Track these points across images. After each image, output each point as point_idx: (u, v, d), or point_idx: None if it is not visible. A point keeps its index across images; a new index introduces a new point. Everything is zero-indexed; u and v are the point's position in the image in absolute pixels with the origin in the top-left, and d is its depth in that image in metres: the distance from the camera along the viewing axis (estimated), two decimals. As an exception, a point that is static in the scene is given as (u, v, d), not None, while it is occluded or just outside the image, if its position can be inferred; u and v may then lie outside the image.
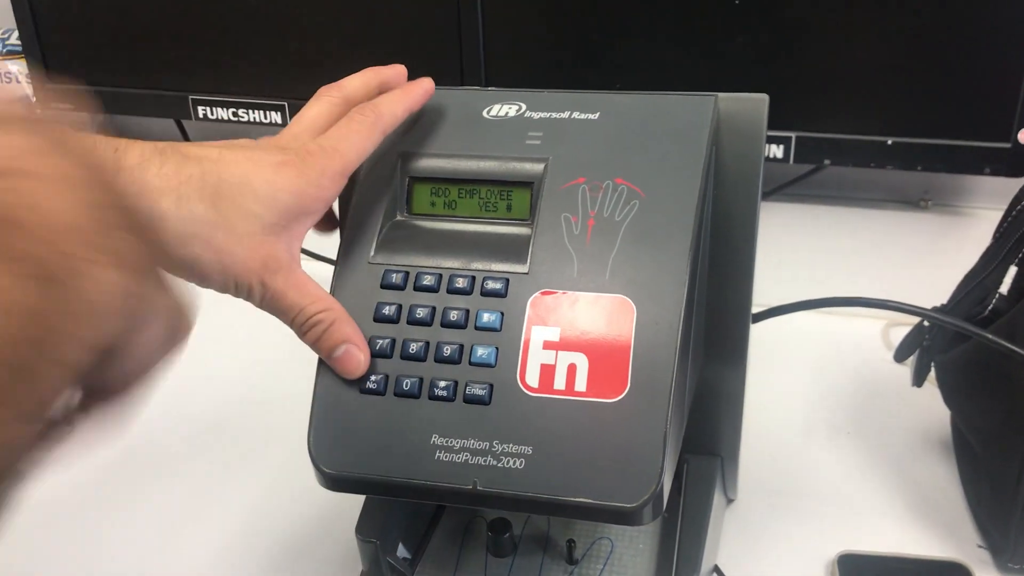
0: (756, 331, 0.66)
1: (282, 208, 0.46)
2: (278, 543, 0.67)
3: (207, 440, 0.79)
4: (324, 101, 0.51)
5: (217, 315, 0.99)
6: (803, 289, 0.84)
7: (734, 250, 0.53)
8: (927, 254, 0.88)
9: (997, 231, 0.64)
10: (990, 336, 0.57)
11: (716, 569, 0.62)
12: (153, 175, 0.44)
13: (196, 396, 0.84)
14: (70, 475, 0.76)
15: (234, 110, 0.96)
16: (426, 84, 0.53)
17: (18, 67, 1.06)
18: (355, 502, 0.58)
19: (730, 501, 0.69)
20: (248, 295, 0.46)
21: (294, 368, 0.86)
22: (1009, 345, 0.57)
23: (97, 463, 0.77)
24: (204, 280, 0.46)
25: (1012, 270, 0.63)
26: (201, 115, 0.97)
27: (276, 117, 0.94)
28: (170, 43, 0.95)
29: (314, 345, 0.47)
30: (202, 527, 0.70)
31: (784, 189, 0.88)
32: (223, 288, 0.46)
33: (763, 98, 0.51)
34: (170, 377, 0.91)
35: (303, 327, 0.47)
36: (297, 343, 0.48)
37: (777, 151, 0.83)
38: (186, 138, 1.07)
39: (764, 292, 0.79)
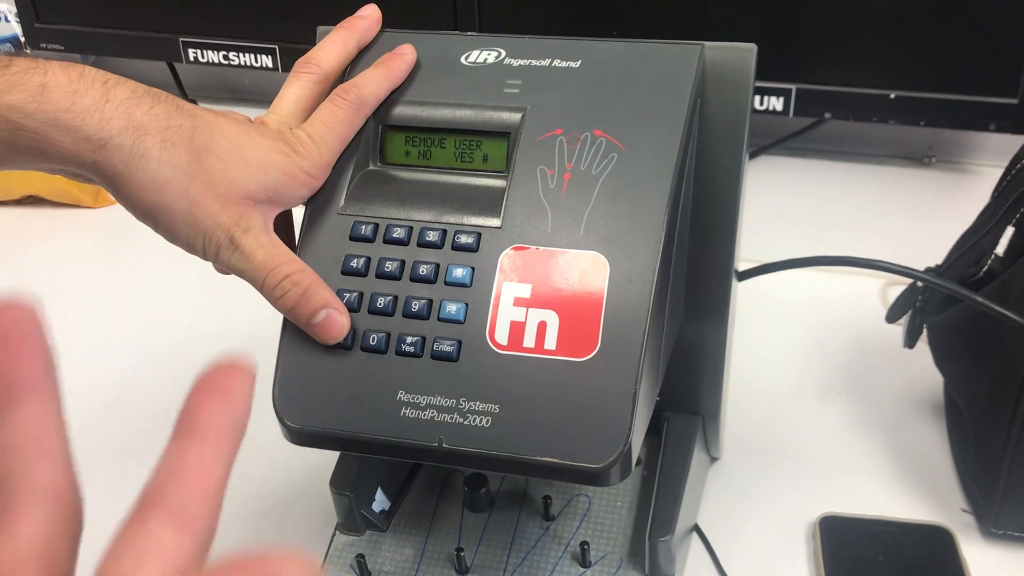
0: (752, 287, 0.65)
1: (270, 183, 0.45)
2: (253, 495, 0.67)
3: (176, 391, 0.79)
4: (304, 80, 0.50)
5: (185, 270, 0.99)
6: (802, 245, 0.82)
7: (717, 205, 0.51)
8: (929, 212, 0.87)
9: (995, 190, 0.63)
10: (980, 299, 0.55)
11: (696, 528, 0.62)
12: (143, 112, 0.43)
13: (164, 347, 0.85)
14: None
15: (225, 53, 0.94)
16: (409, 57, 0.51)
17: (7, 6, 1.05)
18: (332, 454, 0.57)
19: (714, 460, 0.68)
20: (217, 254, 0.45)
21: (261, 319, 0.85)
22: (1000, 309, 0.55)
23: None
24: (172, 233, 0.45)
25: (1009, 231, 0.61)
26: (192, 58, 0.95)
27: (267, 60, 0.92)
28: (160, -17, 0.93)
29: (290, 312, 0.45)
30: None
31: (784, 142, 0.86)
32: (190, 244, 0.45)
33: (751, 48, 0.49)
34: (137, 330, 0.89)
35: (274, 291, 0.45)
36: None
37: (777, 103, 0.80)
38: (179, 82, 1.05)
39: (762, 247, 0.77)
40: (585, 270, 0.44)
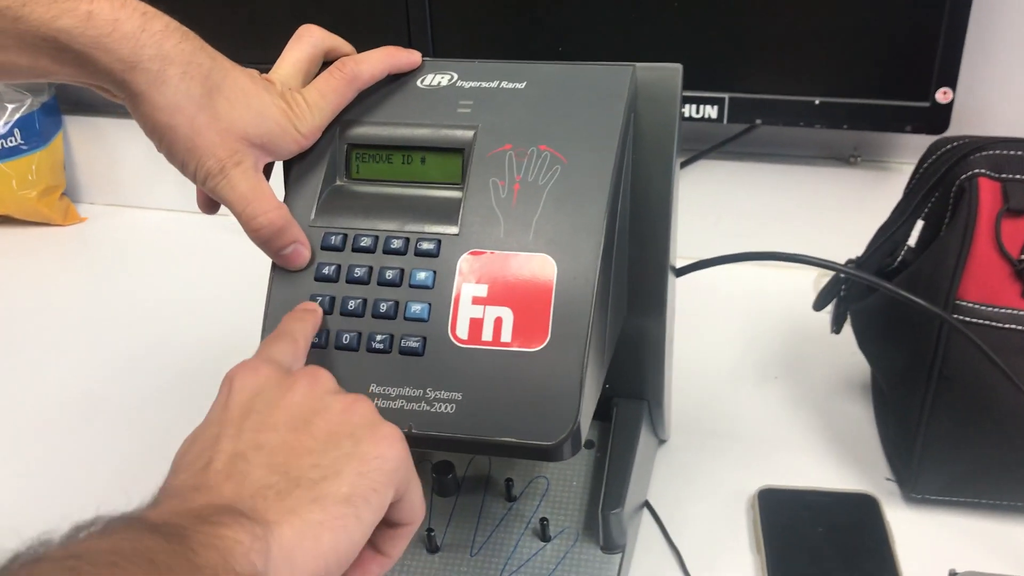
0: (692, 282, 0.70)
1: (265, 131, 0.51)
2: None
3: (144, 404, 0.83)
4: (304, 44, 0.55)
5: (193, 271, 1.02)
6: (738, 242, 0.88)
7: (652, 209, 0.57)
8: (855, 207, 0.93)
9: (907, 188, 0.69)
10: (893, 288, 0.62)
11: (647, 504, 0.67)
12: (172, 45, 0.49)
13: (133, 361, 0.89)
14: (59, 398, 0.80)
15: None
16: (414, 56, 0.57)
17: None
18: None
19: (662, 442, 0.74)
20: (205, 179, 0.50)
21: (232, 331, 0.89)
22: (911, 296, 0.61)
23: (77, 396, 0.81)
24: (171, 152, 0.51)
25: (919, 224, 0.67)
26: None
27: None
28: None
29: (263, 244, 0.52)
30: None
31: (720, 147, 0.92)
32: (183, 164, 0.51)
33: (677, 67, 0.55)
34: (106, 344, 0.92)
35: (252, 222, 0.51)
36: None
37: (711, 111, 0.86)
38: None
39: (701, 245, 0.83)
40: (535, 270, 0.49)
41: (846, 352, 0.83)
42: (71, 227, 1.13)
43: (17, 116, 1.07)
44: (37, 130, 1.08)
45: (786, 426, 0.76)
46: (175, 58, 0.49)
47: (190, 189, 0.53)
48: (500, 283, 0.50)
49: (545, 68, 0.56)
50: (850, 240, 0.77)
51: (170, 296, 0.99)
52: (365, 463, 0.40)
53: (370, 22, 0.90)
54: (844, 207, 0.93)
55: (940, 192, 0.65)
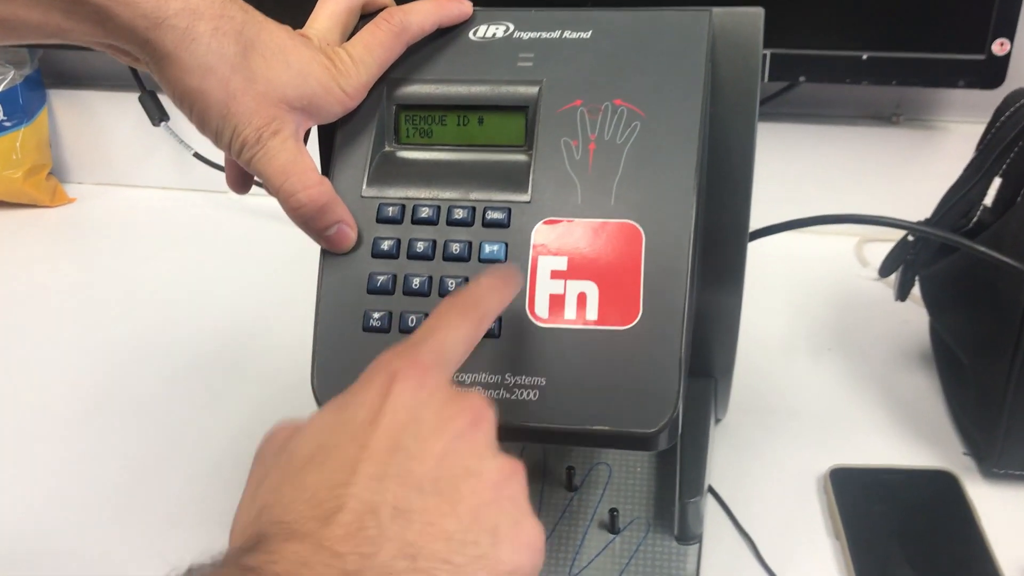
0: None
1: (307, 92, 0.46)
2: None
3: (141, 386, 0.78)
4: None
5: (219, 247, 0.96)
6: (779, 207, 0.83)
7: (732, 169, 0.52)
8: (898, 169, 0.89)
9: (980, 143, 0.65)
10: (982, 248, 0.57)
11: (710, 489, 0.63)
12: None
13: (127, 344, 0.83)
14: (58, 406, 0.74)
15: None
16: (465, 6, 0.51)
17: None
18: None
19: (718, 421, 0.69)
20: (240, 149, 0.45)
21: (222, 313, 0.83)
22: (998, 255, 0.57)
23: (101, 385, 0.75)
24: (203, 120, 0.45)
25: (996, 182, 0.63)
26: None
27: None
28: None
29: (303, 223, 0.46)
30: (194, 461, 0.68)
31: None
32: (217, 134, 0.45)
33: (759, 12, 0.50)
34: (100, 328, 0.85)
35: (290, 200, 0.46)
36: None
37: (752, 68, 0.81)
38: (135, 73, 1.01)
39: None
40: (620, 239, 0.44)
41: (897, 320, 0.79)
42: (59, 208, 1.06)
43: (-2, 90, 1.00)
44: (20, 105, 1.01)
45: (846, 400, 0.72)
46: (204, 12, 0.43)
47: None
48: (581, 255, 0.45)
49: (610, 15, 0.50)
50: (893, 203, 0.72)
51: (168, 280, 0.93)
52: (497, 573, 0.34)
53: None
54: (886, 168, 0.89)
55: (1020, 147, 0.60)
